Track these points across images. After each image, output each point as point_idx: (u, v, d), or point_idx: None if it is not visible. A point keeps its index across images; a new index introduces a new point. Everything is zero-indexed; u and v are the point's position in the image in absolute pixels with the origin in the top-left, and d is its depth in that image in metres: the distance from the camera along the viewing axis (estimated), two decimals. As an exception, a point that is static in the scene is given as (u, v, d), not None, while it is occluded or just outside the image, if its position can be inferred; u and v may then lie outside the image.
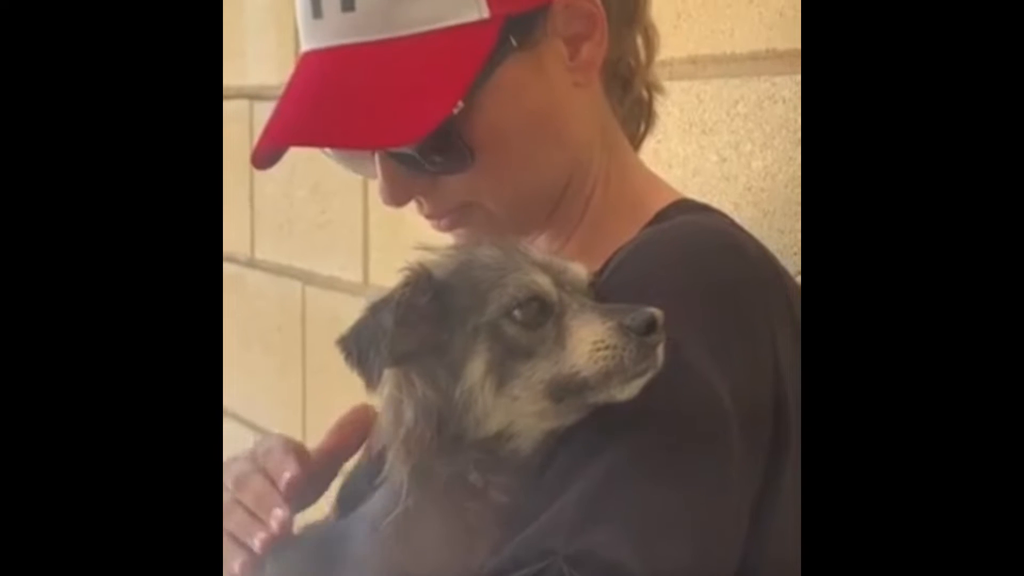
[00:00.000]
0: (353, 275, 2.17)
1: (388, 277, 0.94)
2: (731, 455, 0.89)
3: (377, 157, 1.06)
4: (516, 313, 0.88)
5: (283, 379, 2.47)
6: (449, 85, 0.99)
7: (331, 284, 2.26)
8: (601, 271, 0.99)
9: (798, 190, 1.23)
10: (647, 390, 0.87)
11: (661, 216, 1.07)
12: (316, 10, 1.02)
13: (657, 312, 0.85)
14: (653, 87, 1.16)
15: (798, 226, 1.23)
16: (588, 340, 0.87)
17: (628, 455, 0.86)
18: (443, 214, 1.09)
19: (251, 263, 2.63)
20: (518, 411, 0.89)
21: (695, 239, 0.99)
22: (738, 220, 1.21)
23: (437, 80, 1.00)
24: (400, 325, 0.88)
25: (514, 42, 1.01)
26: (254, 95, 2.51)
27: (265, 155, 1.05)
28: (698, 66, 1.35)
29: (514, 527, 0.87)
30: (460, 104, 0.99)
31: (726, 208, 1.27)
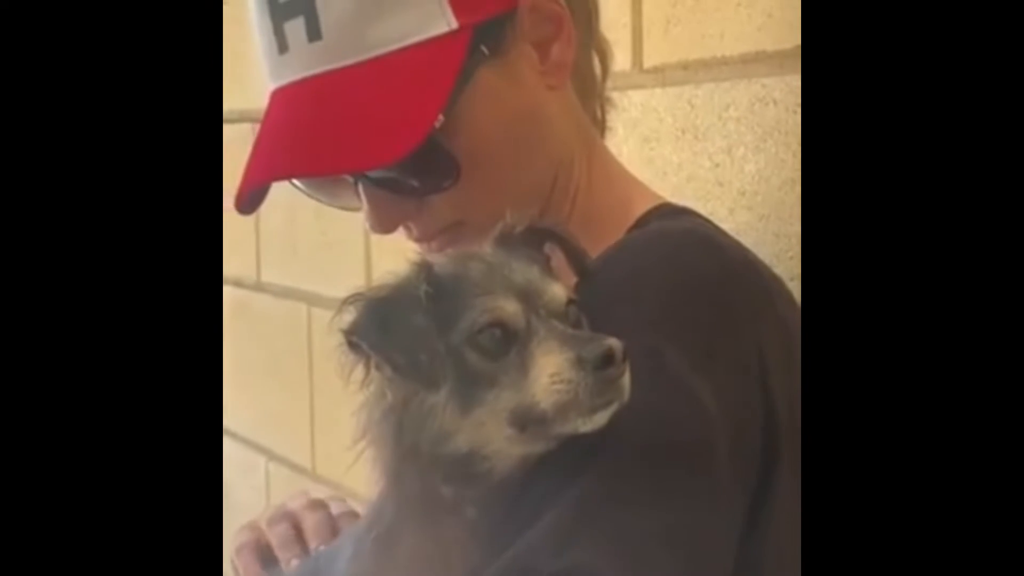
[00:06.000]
0: (357, 296, 2.17)
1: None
2: (718, 467, 0.86)
3: (361, 186, 1.05)
4: (480, 339, 0.85)
5: (291, 402, 2.47)
6: (428, 99, 0.98)
7: (336, 306, 2.25)
8: (581, 279, 0.97)
9: (792, 193, 1.22)
10: (627, 404, 0.84)
11: (642, 220, 1.06)
12: (282, 45, 1.02)
13: (615, 344, 0.82)
14: (606, 102, 1.17)
15: (793, 230, 1.22)
16: (546, 372, 0.83)
17: (610, 473, 0.84)
18: (432, 236, 1.07)
19: (258, 287, 2.63)
20: (487, 436, 0.86)
21: (673, 242, 0.97)
22: (732, 225, 1.20)
23: (415, 96, 0.99)
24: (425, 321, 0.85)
25: (485, 50, 1.00)
26: (256, 118, 2.51)
27: (247, 197, 1.04)
28: (689, 71, 1.33)
29: (492, 546, 0.84)
30: (441, 118, 0.98)
31: (721, 214, 1.26)
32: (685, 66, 1.34)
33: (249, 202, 1.05)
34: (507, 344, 0.85)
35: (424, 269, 0.88)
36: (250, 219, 2.67)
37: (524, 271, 0.89)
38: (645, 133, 1.39)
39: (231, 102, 2.21)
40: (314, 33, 0.99)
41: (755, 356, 0.92)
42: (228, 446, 2.73)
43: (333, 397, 2.28)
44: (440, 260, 0.91)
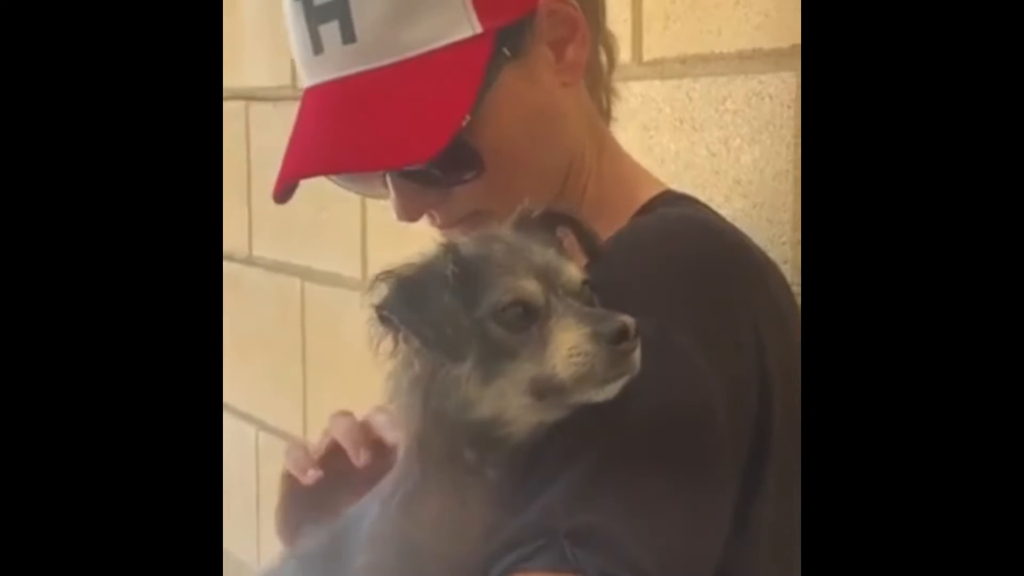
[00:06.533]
0: (352, 271, 2.21)
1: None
2: (719, 436, 0.94)
3: (389, 177, 1.13)
4: (503, 315, 0.92)
5: (283, 375, 2.51)
6: (456, 100, 1.06)
7: (330, 280, 2.30)
8: (592, 260, 1.04)
9: (786, 183, 1.29)
10: (636, 376, 0.91)
11: (647, 207, 1.13)
12: (316, 47, 1.08)
13: (629, 321, 0.89)
14: (612, 93, 1.24)
15: (786, 217, 1.29)
16: (565, 346, 0.90)
17: (621, 438, 0.91)
18: (454, 224, 1.15)
19: (249, 260, 2.67)
20: (507, 404, 0.93)
21: (676, 227, 1.06)
22: (729, 212, 1.28)
23: (443, 97, 1.06)
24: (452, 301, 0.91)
25: (507, 52, 1.08)
26: (250, 96, 2.56)
27: (283, 191, 1.11)
28: (687, 65, 1.40)
29: (511, 505, 0.91)
30: (467, 117, 1.05)
31: (717, 200, 1.33)
32: (683, 60, 1.41)
33: (283, 195, 1.12)
34: (528, 320, 0.92)
35: (451, 250, 0.95)
36: (242, 192, 2.71)
37: (542, 253, 0.96)
38: (644, 122, 1.46)
39: (224, 80, 2.23)
40: (348, 36, 1.06)
41: (751, 333, 1.00)
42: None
43: (326, 371, 2.34)
44: (465, 241, 0.98)
